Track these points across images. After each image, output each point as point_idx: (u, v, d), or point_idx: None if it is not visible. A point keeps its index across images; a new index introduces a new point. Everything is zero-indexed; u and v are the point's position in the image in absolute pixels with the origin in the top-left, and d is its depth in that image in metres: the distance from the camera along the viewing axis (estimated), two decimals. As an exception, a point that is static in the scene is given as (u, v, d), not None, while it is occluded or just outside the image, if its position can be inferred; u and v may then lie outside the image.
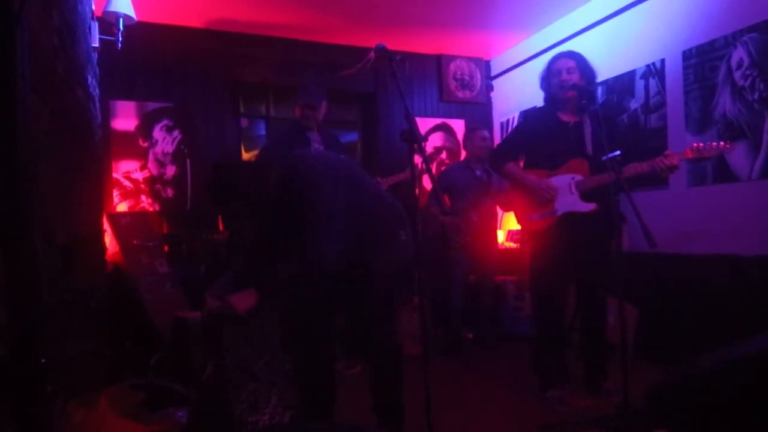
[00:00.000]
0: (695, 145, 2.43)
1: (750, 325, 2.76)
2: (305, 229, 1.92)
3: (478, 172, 3.89)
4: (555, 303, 2.73)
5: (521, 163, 2.87)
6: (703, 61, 3.17)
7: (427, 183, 4.67)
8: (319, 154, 2.18)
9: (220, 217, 3.89)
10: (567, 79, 2.60)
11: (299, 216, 1.93)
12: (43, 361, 1.04)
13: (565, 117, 2.68)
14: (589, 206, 2.57)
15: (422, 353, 1.75)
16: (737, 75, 2.97)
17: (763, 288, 2.78)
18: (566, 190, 2.61)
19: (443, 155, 5.06)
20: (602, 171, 2.49)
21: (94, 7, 3.23)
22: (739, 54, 2.96)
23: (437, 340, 3.85)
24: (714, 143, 2.42)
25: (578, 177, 2.60)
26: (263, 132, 4.74)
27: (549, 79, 2.70)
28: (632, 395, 2.08)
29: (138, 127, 4.01)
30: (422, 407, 1.72)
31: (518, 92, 4.88)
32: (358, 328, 2.27)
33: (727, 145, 2.41)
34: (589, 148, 2.61)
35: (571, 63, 2.62)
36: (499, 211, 4.35)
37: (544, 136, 2.68)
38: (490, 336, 3.93)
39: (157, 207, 4.03)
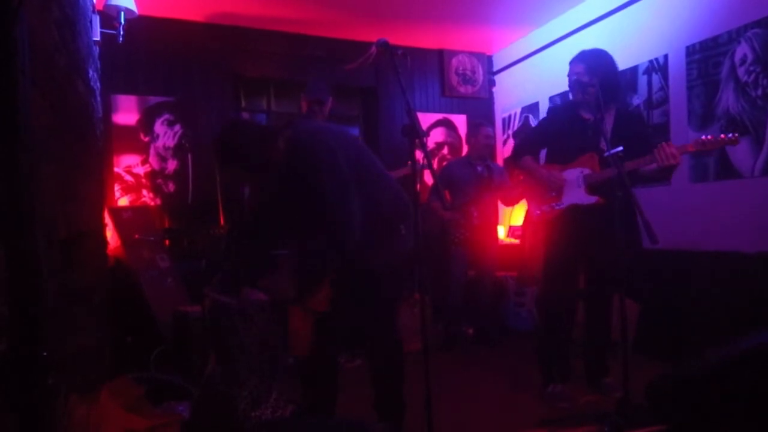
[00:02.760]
0: (703, 138, 2.38)
1: (751, 321, 2.76)
2: (322, 210, 1.86)
3: (479, 168, 3.88)
4: (562, 296, 2.74)
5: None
6: (706, 56, 3.15)
7: (428, 178, 4.67)
8: (331, 130, 2.08)
9: (220, 203, 3.90)
10: (573, 85, 2.64)
11: (308, 194, 1.88)
12: (45, 354, 1.04)
13: (586, 114, 2.71)
14: (592, 199, 2.60)
15: (422, 349, 1.76)
16: (741, 71, 2.96)
17: (765, 284, 2.77)
18: (574, 183, 2.66)
19: (445, 150, 5.06)
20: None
21: (95, 1, 3.22)
22: (742, 50, 2.94)
23: (437, 335, 3.85)
24: (723, 135, 2.35)
25: (587, 171, 2.64)
26: (264, 126, 4.73)
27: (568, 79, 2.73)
28: (633, 391, 2.09)
29: (139, 122, 4.01)
30: (422, 402, 1.72)
31: (520, 87, 4.86)
32: (358, 324, 2.24)
33: (733, 136, 2.33)
34: (605, 145, 2.57)
35: (580, 67, 2.63)
36: (500, 206, 4.34)
37: (563, 133, 2.73)
38: (491, 331, 3.93)
39: (158, 201, 4.04)
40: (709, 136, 2.37)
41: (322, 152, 1.91)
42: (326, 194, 1.86)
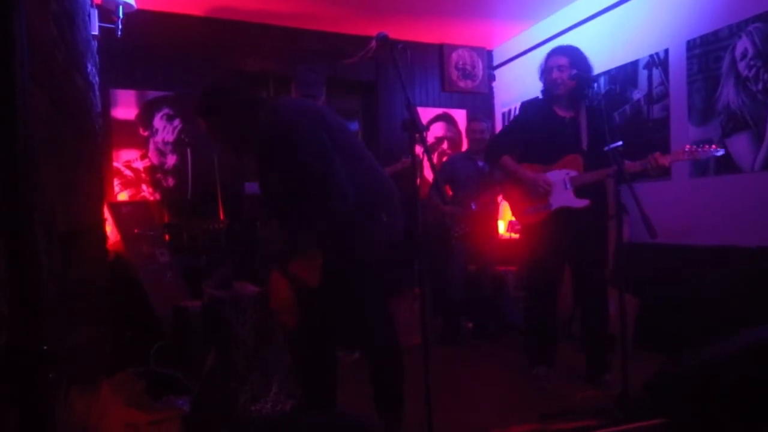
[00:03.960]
0: (687, 147, 2.49)
1: (750, 315, 2.77)
2: (307, 177, 1.81)
3: (480, 163, 3.88)
4: (545, 293, 2.81)
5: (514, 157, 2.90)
6: (707, 51, 3.14)
7: (428, 173, 4.66)
8: (314, 104, 2.06)
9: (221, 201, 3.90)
10: (557, 78, 2.65)
11: (292, 164, 1.83)
12: (45, 348, 1.04)
13: (562, 112, 2.72)
14: (583, 202, 2.63)
15: (422, 343, 1.76)
16: (741, 65, 2.95)
17: (765, 279, 2.78)
18: (561, 185, 2.67)
19: (444, 145, 5.05)
20: (597, 166, 2.57)
21: (93, -5, 3.20)
22: (743, 44, 2.93)
23: (437, 329, 3.86)
24: (707, 146, 2.47)
25: (573, 173, 2.66)
26: (264, 121, 4.72)
27: (544, 74, 2.75)
28: (632, 385, 2.09)
29: (138, 116, 3.99)
30: (422, 396, 1.73)
31: (520, 82, 4.85)
32: (349, 317, 2.19)
33: (718, 148, 2.47)
34: (585, 144, 2.66)
35: (563, 60, 2.65)
36: (501, 201, 4.34)
37: (541, 131, 2.72)
38: (490, 326, 3.94)
39: (157, 196, 4.03)
40: (694, 147, 2.48)
41: (301, 118, 1.87)
42: (308, 159, 1.80)
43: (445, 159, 4.46)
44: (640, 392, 1.97)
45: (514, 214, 2.91)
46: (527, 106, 2.96)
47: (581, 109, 2.68)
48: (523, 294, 4.12)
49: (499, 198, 4.15)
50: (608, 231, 2.89)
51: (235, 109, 1.91)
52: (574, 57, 2.64)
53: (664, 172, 2.56)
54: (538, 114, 2.77)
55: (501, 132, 3.11)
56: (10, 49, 0.83)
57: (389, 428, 2.09)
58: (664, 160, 2.44)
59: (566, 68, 2.62)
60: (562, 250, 2.73)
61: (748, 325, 1.71)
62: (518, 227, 4.53)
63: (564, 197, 2.66)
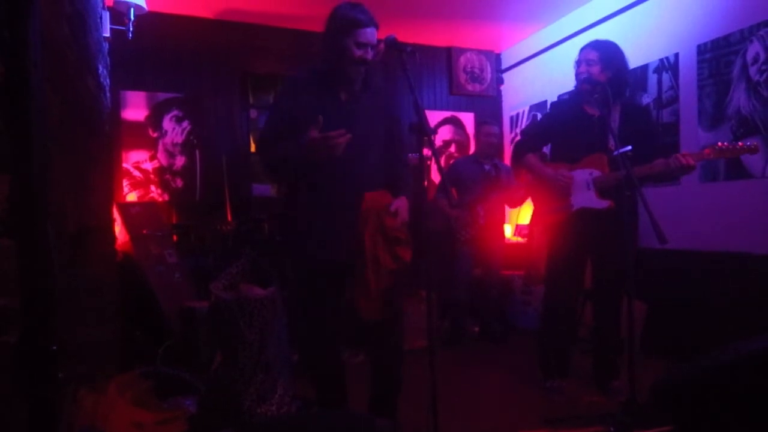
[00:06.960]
0: (719, 144, 2.33)
1: (758, 322, 2.74)
2: None
3: (486, 167, 3.87)
4: (566, 297, 2.72)
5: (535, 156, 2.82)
6: (718, 55, 3.12)
7: (435, 176, 4.66)
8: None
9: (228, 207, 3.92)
10: (582, 72, 2.56)
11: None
12: (55, 348, 1.05)
13: (590, 109, 2.62)
14: (604, 203, 2.53)
15: (428, 346, 1.75)
16: (752, 70, 2.93)
17: (774, 286, 2.75)
18: (583, 185, 2.58)
19: (452, 148, 5.04)
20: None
21: (105, -3, 3.23)
22: (755, 49, 2.91)
23: (443, 332, 3.85)
24: (740, 143, 2.32)
25: (596, 173, 2.56)
26: (272, 123, 4.74)
27: (575, 67, 2.64)
28: (639, 391, 2.08)
29: (148, 118, 4.02)
30: (427, 399, 1.72)
31: (529, 86, 4.84)
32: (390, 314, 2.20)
33: (752, 144, 2.29)
34: (612, 143, 2.53)
35: (593, 54, 2.55)
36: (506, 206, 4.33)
37: (568, 128, 2.63)
38: (496, 329, 3.93)
39: (166, 197, 4.05)
40: (726, 144, 2.33)
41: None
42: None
43: (451, 162, 4.46)
44: (647, 399, 1.95)
45: (536, 214, 2.83)
46: (557, 103, 2.86)
47: (614, 107, 2.53)
48: (531, 299, 4.11)
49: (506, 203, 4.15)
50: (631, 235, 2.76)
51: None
52: (605, 52, 2.53)
53: (683, 174, 2.43)
54: (565, 111, 2.70)
55: (526, 130, 3.01)
56: (25, 47, 0.84)
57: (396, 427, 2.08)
58: (689, 160, 2.32)
59: (595, 63, 2.52)
60: (582, 254, 2.65)
61: (756, 332, 1.69)
62: (525, 231, 4.53)
63: (586, 197, 2.57)
